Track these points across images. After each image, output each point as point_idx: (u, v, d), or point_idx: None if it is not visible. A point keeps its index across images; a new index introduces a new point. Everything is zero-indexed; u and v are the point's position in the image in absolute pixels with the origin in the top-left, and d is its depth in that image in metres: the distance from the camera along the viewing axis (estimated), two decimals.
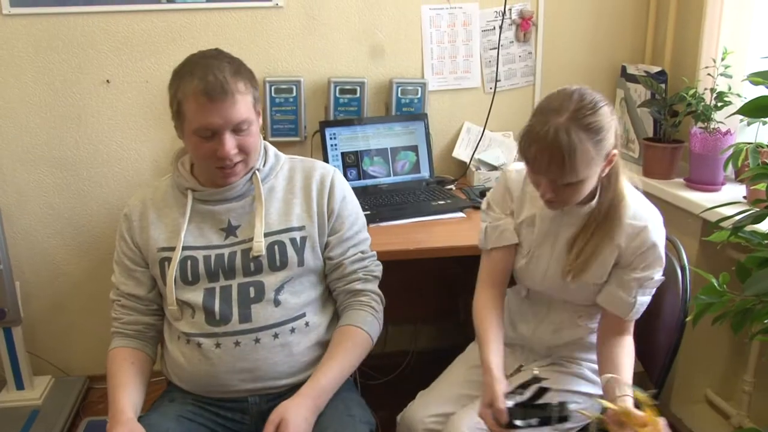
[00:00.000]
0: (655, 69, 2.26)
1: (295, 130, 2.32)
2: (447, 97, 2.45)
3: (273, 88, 2.26)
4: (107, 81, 2.25)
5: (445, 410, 1.54)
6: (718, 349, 2.13)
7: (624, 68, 2.44)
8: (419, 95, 2.35)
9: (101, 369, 1.52)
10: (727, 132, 2.00)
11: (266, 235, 1.43)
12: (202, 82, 1.31)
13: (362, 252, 1.54)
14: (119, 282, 1.50)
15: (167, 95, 1.40)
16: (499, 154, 2.42)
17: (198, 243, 1.44)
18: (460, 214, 2.07)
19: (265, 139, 2.33)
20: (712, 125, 2.02)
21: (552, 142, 1.26)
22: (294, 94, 2.28)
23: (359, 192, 2.21)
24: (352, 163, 2.24)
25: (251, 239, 1.42)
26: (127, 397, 1.36)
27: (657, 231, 1.42)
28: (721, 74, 1.99)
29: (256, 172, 1.45)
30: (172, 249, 1.43)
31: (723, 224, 1.29)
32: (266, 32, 2.29)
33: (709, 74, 2.02)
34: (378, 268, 1.58)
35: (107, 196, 2.35)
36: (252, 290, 1.42)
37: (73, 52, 2.21)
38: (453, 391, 1.59)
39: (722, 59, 1.98)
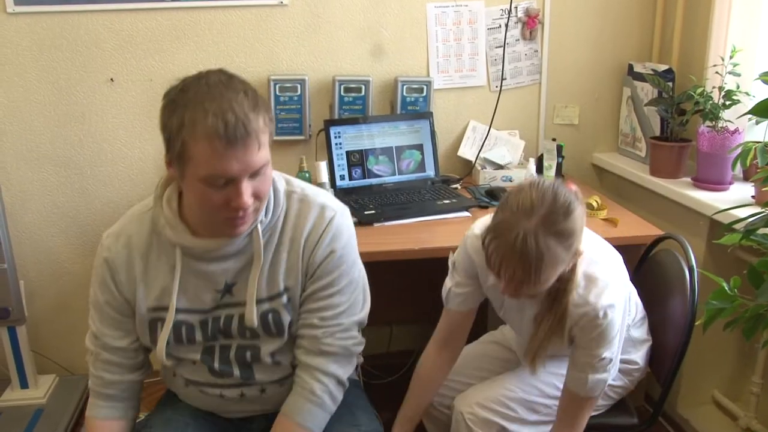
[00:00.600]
0: (663, 67, 2.24)
1: (300, 128, 2.31)
2: (452, 96, 2.44)
3: (277, 86, 2.24)
4: (111, 79, 2.24)
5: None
6: (726, 349, 2.11)
7: (631, 66, 2.42)
8: (424, 94, 2.34)
9: None
10: (736, 131, 1.98)
11: (258, 302, 1.26)
12: (218, 122, 1.06)
13: (320, 318, 1.28)
14: (102, 333, 1.30)
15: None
16: (505, 152, 2.41)
17: (192, 306, 1.27)
18: (466, 214, 2.06)
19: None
20: (720, 124, 2.01)
21: (520, 250, 1.19)
22: (298, 92, 2.27)
23: (364, 191, 2.21)
24: (356, 161, 2.23)
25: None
26: None
27: (604, 309, 1.32)
28: (730, 72, 1.97)
29: (258, 225, 1.23)
30: (163, 309, 1.27)
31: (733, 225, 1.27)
32: (271, 30, 2.28)
33: (717, 72, 2.01)
34: (338, 343, 1.29)
35: (111, 195, 2.34)
36: (249, 354, 1.30)
37: (77, 50, 2.20)
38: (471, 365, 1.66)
39: (731, 57, 1.96)
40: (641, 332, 1.60)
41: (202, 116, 1.07)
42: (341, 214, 1.30)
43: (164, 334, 1.26)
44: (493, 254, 1.25)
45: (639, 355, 1.59)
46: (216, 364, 1.30)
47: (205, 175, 1.10)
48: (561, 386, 1.50)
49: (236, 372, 1.31)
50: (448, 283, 1.54)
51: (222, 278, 1.26)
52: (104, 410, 1.33)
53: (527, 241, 1.19)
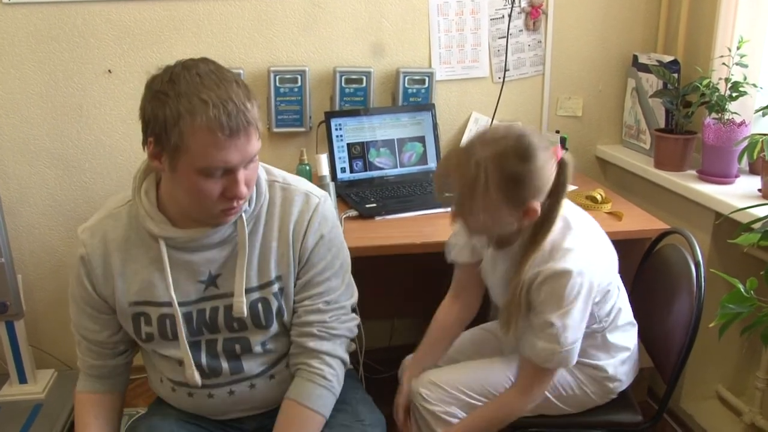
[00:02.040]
0: (668, 58, 2.21)
1: (300, 120, 2.28)
2: (455, 87, 2.41)
3: (277, 77, 2.22)
4: (109, 71, 2.21)
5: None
6: (730, 344, 2.09)
7: (635, 57, 2.39)
8: (426, 85, 2.31)
9: None
10: (742, 123, 1.96)
11: (247, 291, 1.25)
12: (220, 113, 1.06)
13: (326, 302, 1.29)
14: (80, 326, 1.32)
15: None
16: None
17: (176, 298, 1.25)
18: None
19: (269, 130, 2.33)
20: (727, 116, 1.98)
21: (464, 169, 1.22)
22: (299, 83, 2.24)
23: (365, 184, 2.19)
24: (358, 154, 2.21)
25: (233, 293, 1.25)
26: None
27: (560, 271, 1.29)
28: (737, 63, 1.94)
29: (242, 214, 1.24)
30: (145, 303, 1.26)
31: (734, 218, 1.24)
32: (270, 21, 2.24)
33: (724, 63, 1.98)
34: (344, 326, 1.32)
35: (110, 188, 2.32)
36: (238, 347, 1.29)
37: (74, 41, 2.17)
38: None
39: (738, 48, 1.94)
40: (619, 338, 1.49)
41: (202, 107, 1.06)
42: (325, 200, 1.32)
43: (182, 339, 1.26)
44: (441, 163, 1.30)
45: (610, 363, 1.48)
46: (204, 360, 1.29)
47: (203, 167, 1.10)
48: None
49: (225, 366, 1.30)
50: (451, 238, 1.56)
51: (206, 268, 1.26)
52: (89, 384, 1.36)
53: (469, 163, 1.21)
